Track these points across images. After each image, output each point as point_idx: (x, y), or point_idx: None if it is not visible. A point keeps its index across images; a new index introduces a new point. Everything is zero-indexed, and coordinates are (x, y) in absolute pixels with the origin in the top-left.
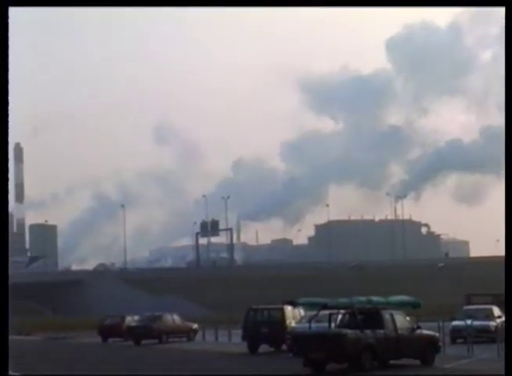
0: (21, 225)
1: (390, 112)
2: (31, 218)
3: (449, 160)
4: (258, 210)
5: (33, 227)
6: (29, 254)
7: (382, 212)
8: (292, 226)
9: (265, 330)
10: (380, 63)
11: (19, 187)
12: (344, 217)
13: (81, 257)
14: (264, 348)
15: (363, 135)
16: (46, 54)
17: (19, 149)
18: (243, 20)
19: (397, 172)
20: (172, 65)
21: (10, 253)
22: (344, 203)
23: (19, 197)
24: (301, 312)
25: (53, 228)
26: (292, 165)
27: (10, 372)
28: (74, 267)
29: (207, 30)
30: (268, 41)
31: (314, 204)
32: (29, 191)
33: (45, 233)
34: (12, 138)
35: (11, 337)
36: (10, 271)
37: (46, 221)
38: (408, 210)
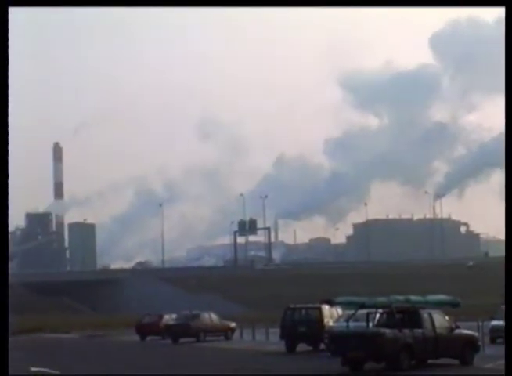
0: (60, 224)
1: (434, 109)
2: (70, 216)
3: (494, 157)
4: (297, 208)
5: (72, 226)
6: (68, 253)
7: (421, 211)
8: (330, 225)
9: (302, 329)
10: (425, 59)
11: (58, 186)
12: (383, 216)
13: (120, 255)
14: (302, 347)
15: (407, 132)
16: (84, 53)
17: (58, 148)
18: (286, 17)
19: (440, 170)
20: (216, 61)
21: (50, 251)
22: (385, 201)
23: (58, 196)
24: (338, 311)
25: (92, 226)
26: (334, 163)
27: (44, 370)
28: (113, 266)
29: (250, 25)
30: (312, 39)
31: (354, 202)
32: (68, 190)
33: (84, 231)
34: (52, 137)
35: (50, 335)
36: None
37: (85, 219)
38: (447, 209)
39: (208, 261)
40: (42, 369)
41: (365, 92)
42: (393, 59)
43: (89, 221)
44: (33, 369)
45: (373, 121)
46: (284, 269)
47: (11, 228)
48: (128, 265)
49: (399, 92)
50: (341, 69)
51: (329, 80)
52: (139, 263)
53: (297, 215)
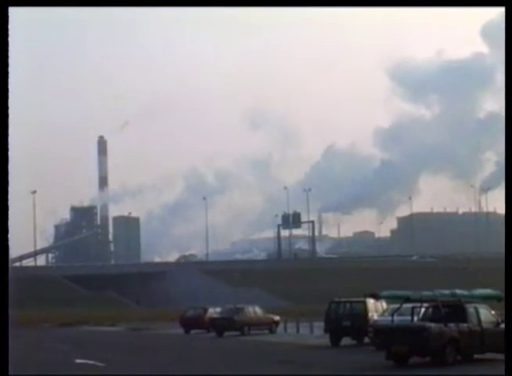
0: (105, 217)
1: (486, 99)
2: (115, 210)
3: None
4: (343, 201)
5: (116, 219)
6: (112, 246)
7: (467, 204)
8: (375, 219)
9: (347, 323)
10: (477, 48)
11: (103, 180)
12: (428, 209)
13: (164, 249)
14: (346, 340)
15: (458, 124)
16: (129, 47)
17: (103, 142)
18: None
19: (491, 161)
20: (266, 50)
21: (95, 245)
22: (431, 194)
23: (103, 190)
24: (383, 304)
25: (136, 220)
26: (382, 154)
27: (85, 361)
28: (157, 259)
29: (298, 15)
30: (362, 29)
31: (400, 195)
32: (113, 184)
33: (128, 224)
34: (96, 131)
35: (95, 327)
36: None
37: (129, 213)
38: (493, 202)
39: (252, 254)
40: (87, 361)
41: (416, 82)
42: (444, 49)
43: (133, 214)
44: (78, 361)
45: (423, 112)
46: (331, 262)
47: (56, 221)
48: (172, 259)
49: (450, 83)
50: (393, 58)
51: (380, 70)
52: (183, 256)
53: (342, 208)
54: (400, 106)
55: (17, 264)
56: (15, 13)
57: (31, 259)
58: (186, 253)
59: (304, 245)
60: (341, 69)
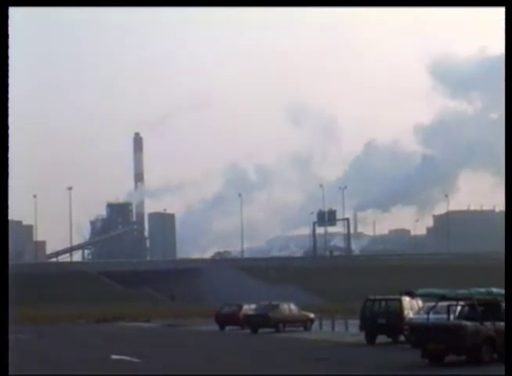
0: (140, 214)
1: None
2: (150, 206)
3: None
4: (379, 199)
5: (152, 216)
6: (148, 242)
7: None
8: (411, 216)
9: (382, 321)
10: None
11: (139, 176)
12: (464, 207)
13: (199, 245)
14: (381, 338)
15: (500, 119)
16: (168, 42)
17: (138, 139)
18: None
19: None
20: (308, 47)
21: (130, 241)
22: (469, 192)
23: (139, 186)
24: (419, 303)
25: (171, 216)
26: (423, 150)
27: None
28: (192, 256)
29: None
30: (404, 26)
31: (436, 193)
32: (148, 180)
33: (164, 221)
34: (132, 128)
35: (130, 324)
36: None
37: (165, 209)
38: None
39: (288, 251)
40: (123, 357)
41: (458, 78)
42: (487, 46)
43: (169, 211)
44: (113, 357)
45: (465, 108)
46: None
47: (92, 217)
48: (207, 255)
49: (493, 79)
50: (434, 54)
51: (421, 66)
52: (218, 253)
53: (379, 206)
54: (441, 102)
55: (53, 259)
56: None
57: (67, 255)
58: (222, 250)
59: (339, 243)
60: (382, 65)
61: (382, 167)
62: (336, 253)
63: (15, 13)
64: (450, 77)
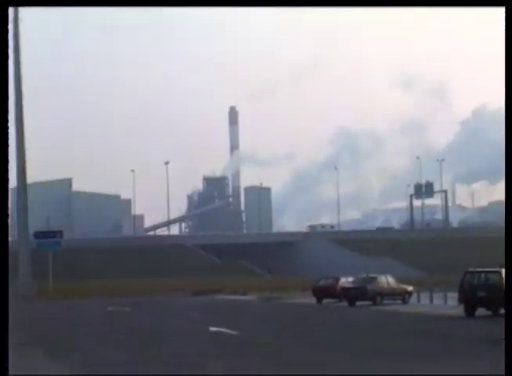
0: (236, 187)
1: None
2: (246, 180)
3: None
4: (478, 170)
5: (248, 189)
6: (244, 216)
7: None
8: None
9: (481, 294)
10: None
11: (235, 150)
12: None
13: (295, 218)
14: (481, 311)
15: None
16: (261, 11)
17: (234, 112)
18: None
19: None
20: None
21: (226, 215)
22: None
23: (235, 160)
24: None
25: (268, 190)
26: None
27: (216, 329)
28: (288, 229)
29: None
30: None
31: None
32: (244, 154)
33: (260, 194)
34: (227, 101)
35: (228, 296)
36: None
37: (261, 183)
38: None
39: (384, 224)
40: (221, 329)
41: None
42: None
43: (265, 184)
44: (212, 329)
45: None
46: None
47: (189, 191)
48: (303, 228)
49: None
50: None
51: None
52: (313, 226)
53: (476, 177)
54: None
55: (151, 233)
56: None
57: (164, 229)
58: (317, 223)
59: (436, 215)
60: (492, 26)
61: (489, 135)
62: (433, 225)
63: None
64: None
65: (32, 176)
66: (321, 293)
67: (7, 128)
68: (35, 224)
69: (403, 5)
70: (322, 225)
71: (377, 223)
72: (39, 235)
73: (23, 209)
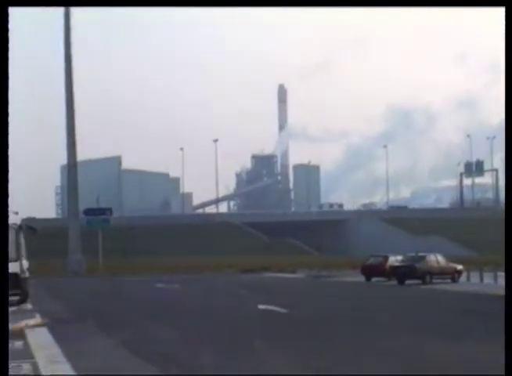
0: (285, 165)
1: None
2: (295, 158)
3: None
4: None
5: (296, 167)
6: (292, 194)
7: None
8: None
9: None
10: None
11: (283, 128)
12: None
13: (344, 197)
14: None
15: None
16: None
17: (282, 90)
18: None
19: None
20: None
21: (275, 193)
22: None
23: (284, 139)
24: None
25: (316, 168)
26: None
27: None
28: (337, 207)
29: None
30: None
31: None
32: (293, 132)
33: (309, 173)
34: (277, 79)
35: (277, 274)
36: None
37: (309, 161)
38: None
39: (434, 202)
40: (269, 307)
41: None
42: None
43: (313, 162)
44: (260, 307)
45: None
46: None
47: (237, 169)
48: (352, 207)
49: None
50: None
51: None
52: (363, 204)
53: None
54: None
55: (200, 211)
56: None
57: (213, 206)
58: (367, 201)
59: (487, 194)
60: None
61: None
62: (484, 204)
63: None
64: None
65: (82, 154)
66: (370, 271)
67: (7, 128)
68: (85, 201)
69: (404, 5)
70: (372, 204)
71: (426, 202)
72: (89, 212)
73: (73, 187)
